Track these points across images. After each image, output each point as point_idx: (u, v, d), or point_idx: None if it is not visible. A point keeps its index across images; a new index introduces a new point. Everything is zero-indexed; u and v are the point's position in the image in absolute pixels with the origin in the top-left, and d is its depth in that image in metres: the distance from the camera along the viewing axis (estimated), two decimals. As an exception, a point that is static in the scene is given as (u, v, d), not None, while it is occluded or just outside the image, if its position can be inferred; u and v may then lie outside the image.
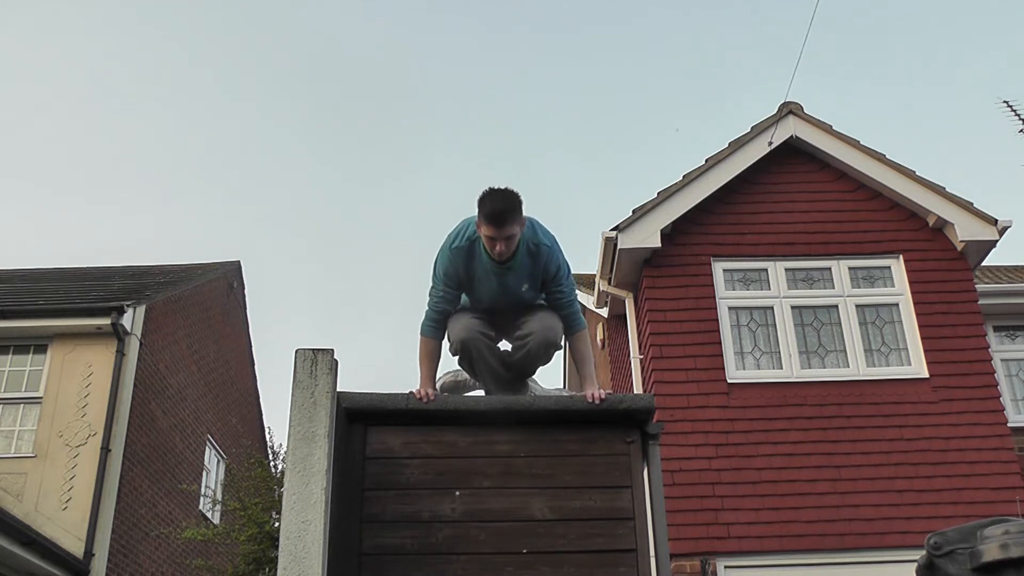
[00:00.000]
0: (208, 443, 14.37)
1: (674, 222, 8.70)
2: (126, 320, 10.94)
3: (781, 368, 8.36)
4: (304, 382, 3.35)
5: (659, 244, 8.55)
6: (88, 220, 46.84)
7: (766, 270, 8.76)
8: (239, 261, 16.34)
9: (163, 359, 12.33)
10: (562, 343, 4.03)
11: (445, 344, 3.94)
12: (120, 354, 10.88)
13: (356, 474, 3.46)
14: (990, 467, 7.88)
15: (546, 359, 3.95)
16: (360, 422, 3.54)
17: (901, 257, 8.78)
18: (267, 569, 9.72)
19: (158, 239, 43.59)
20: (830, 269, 8.78)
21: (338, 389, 3.42)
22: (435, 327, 3.88)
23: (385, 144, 49.41)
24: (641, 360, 8.78)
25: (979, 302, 8.70)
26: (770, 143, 8.98)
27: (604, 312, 10.07)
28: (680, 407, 8.03)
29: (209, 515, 13.50)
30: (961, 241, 8.62)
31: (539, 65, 43.92)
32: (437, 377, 4.02)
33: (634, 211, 8.68)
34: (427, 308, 3.89)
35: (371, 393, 3.57)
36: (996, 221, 8.61)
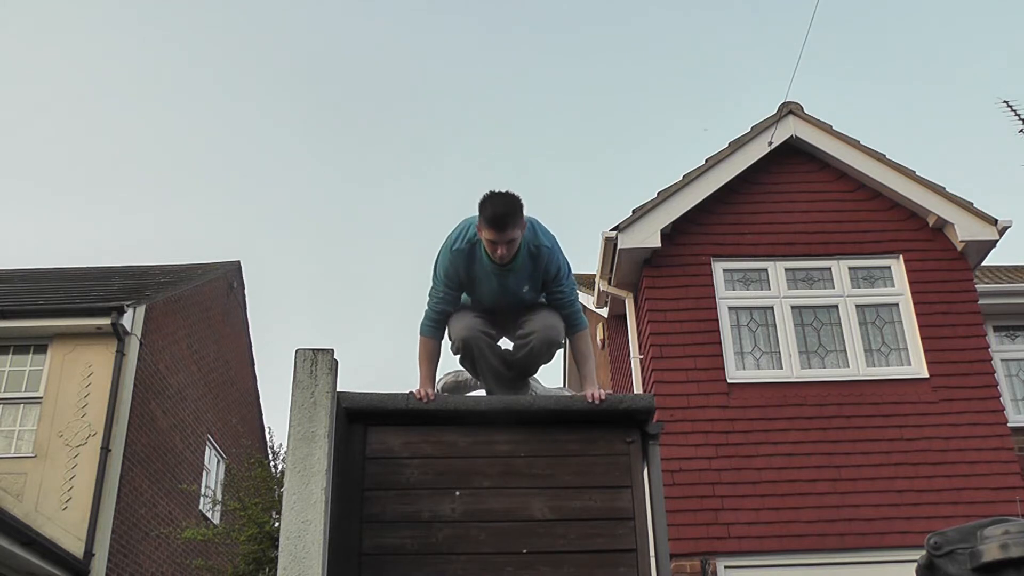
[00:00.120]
0: (208, 443, 14.37)
1: (674, 222, 8.70)
2: (126, 320, 10.94)
3: (781, 368, 8.36)
4: (304, 382, 3.34)
5: (659, 244, 8.55)
6: (88, 220, 46.89)
7: (766, 270, 8.76)
8: (239, 261, 16.36)
9: (163, 359, 12.33)
10: (563, 342, 4.03)
11: (445, 344, 3.94)
12: (120, 354, 10.89)
13: (356, 474, 3.46)
14: (990, 467, 7.88)
15: (548, 358, 3.96)
16: (360, 422, 3.54)
17: (901, 257, 8.78)
18: (267, 569, 9.72)
19: (158, 239, 43.63)
20: (830, 269, 8.78)
21: (338, 389, 3.42)
22: (435, 327, 3.88)
23: (385, 144, 49.44)
24: (641, 360, 8.78)
25: (979, 302, 8.70)
26: (770, 143, 8.98)
27: (604, 312, 10.07)
28: (680, 407, 8.03)
29: (209, 515, 13.50)
30: (961, 241, 8.62)
31: (539, 65, 43.95)
32: (438, 377, 4.02)
33: (634, 211, 8.68)
34: (427, 308, 3.89)
35: (371, 393, 3.57)
36: (996, 221, 8.61)
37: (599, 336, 11.29)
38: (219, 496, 13.50)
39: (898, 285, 8.71)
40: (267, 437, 13.20)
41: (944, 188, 8.77)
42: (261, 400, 17.66)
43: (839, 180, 9.10)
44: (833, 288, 8.72)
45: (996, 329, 10.07)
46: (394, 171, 50.35)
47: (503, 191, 3.62)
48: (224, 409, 15.36)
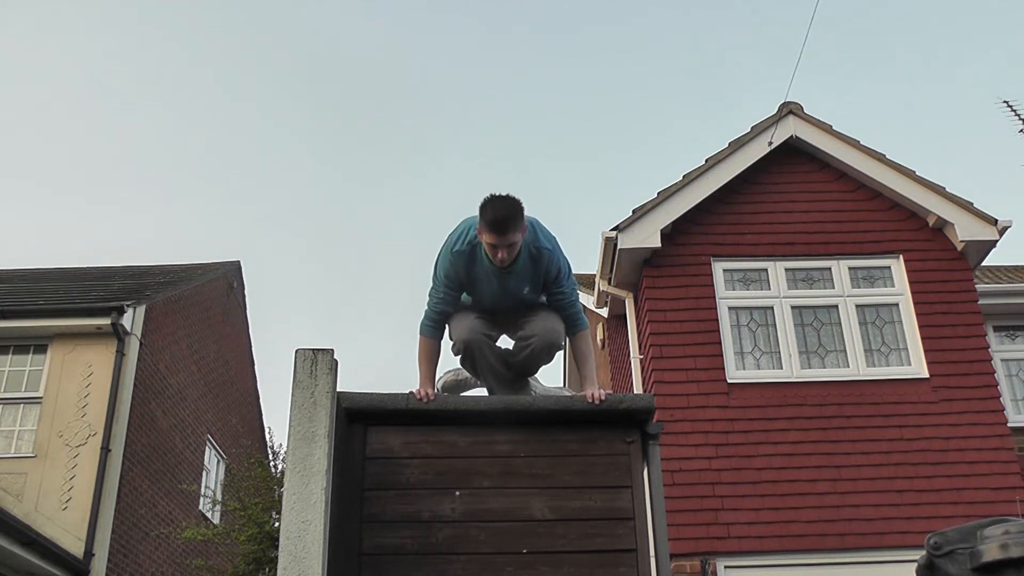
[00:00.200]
0: (208, 443, 14.37)
1: (674, 222, 8.70)
2: (126, 320, 10.94)
3: (781, 368, 8.36)
4: (304, 382, 3.35)
5: (659, 244, 8.55)
6: (88, 220, 46.89)
7: (766, 270, 8.77)
8: (239, 261, 16.36)
9: (163, 359, 12.33)
10: (564, 343, 4.04)
11: (445, 344, 3.94)
12: (120, 354, 10.89)
13: (356, 474, 3.46)
14: (990, 467, 7.88)
15: (548, 359, 3.98)
16: (360, 422, 3.54)
17: (901, 257, 8.78)
18: (267, 569, 9.72)
19: (158, 239, 43.64)
20: (830, 269, 8.78)
21: (338, 389, 3.42)
22: (435, 327, 3.89)
23: (385, 144, 49.44)
24: (641, 360, 8.78)
25: (979, 302, 8.70)
26: (770, 143, 8.98)
27: (604, 312, 10.07)
28: (680, 407, 8.03)
29: (209, 515, 13.50)
30: (961, 241, 8.62)
31: (539, 65, 43.95)
32: (437, 376, 4.03)
33: (634, 211, 8.68)
34: (427, 308, 3.90)
35: (371, 393, 3.57)
36: (996, 221, 8.61)
37: (599, 336, 11.29)
38: (219, 496, 13.50)
39: (898, 285, 8.71)
40: (267, 437, 13.18)
41: (944, 188, 8.77)
42: (261, 400, 17.68)
43: (839, 180, 9.10)
44: (833, 288, 8.72)
45: (996, 329, 10.07)
46: (394, 171, 50.38)
47: (504, 195, 3.61)
48: (224, 409, 15.36)
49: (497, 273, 3.77)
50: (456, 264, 3.79)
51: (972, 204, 8.67)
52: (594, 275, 9.69)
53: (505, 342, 4.06)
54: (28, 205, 43.84)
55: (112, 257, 40.66)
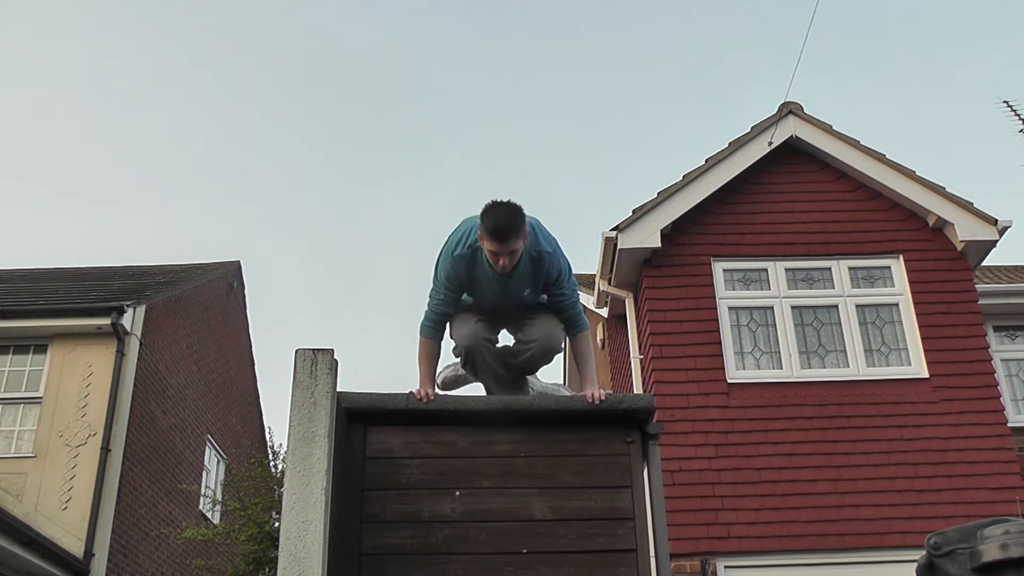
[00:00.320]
0: (208, 443, 14.37)
1: (674, 222, 8.70)
2: (126, 320, 10.94)
3: (781, 368, 8.36)
4: (304, 382, 3.35)
5: (659, 244, 8.55)
6: (88, 220, 46.89)
7: (766, 270, 8.77)
8: (239, 261, 16.36)
9: (163, 359, 12.34)
10: (563, 347, 4.06)
11: (444, 344, 3.96)
12: (120, 354, 10.89)
13: (356, 474, 3.46)
14: (990, 467, 7.88)
15: (547, 362, 4.01)
16: (360, 422, 3.54)
17: (901, 257, 8.78)
18: (267, 569, 9.72)
19: (158, 239, 43.63)
20: (830, 269, 8.78)
21: (338, 389, 3.42)
22: (435, 328, 3.89)
23: (385, 144, 49.43)
24: (641, 360, 8.78)
25: (979, 302, 8.70)
26: (770, 143, 8.98)
27: (604, 312, 10.07)
28: (680, 407, 8.03)
29: (209, 515, 13.50)
30: (961, 241, 8.62)
31: (539, 65, 43.94)
32: (437, 371, 4.04)
33: (634, 211, 8.68)
34: (427, 309, 3.90)
35: (371, 393, 3.57)
36: (996, 221, 8.61)
37: (599, 336, 11.29)
38: (219, 496, 13.50)
39: (898, 285, 8.71)
40: (267, 437, 13.19)
41: (944, 188, 8.77)
42: (261, 400, 17.68)
43: (839, 180, 9.10)
44: (833, 288, 8.72)
45: (996, 329, 10.07)
46: (394, 171, 50.38)
47: (505, 201, 3.60)
48: (224, 409, 15.36)
49: (498, 276, 3.78)
50: (457, 267, 3.79)
51: (972, 204, 8.67)
52: (594, 275, 9.69)
53: (505, 338, 4.08)
54: (28, 205, 43.88)
55: (112, 257, 40.68)
